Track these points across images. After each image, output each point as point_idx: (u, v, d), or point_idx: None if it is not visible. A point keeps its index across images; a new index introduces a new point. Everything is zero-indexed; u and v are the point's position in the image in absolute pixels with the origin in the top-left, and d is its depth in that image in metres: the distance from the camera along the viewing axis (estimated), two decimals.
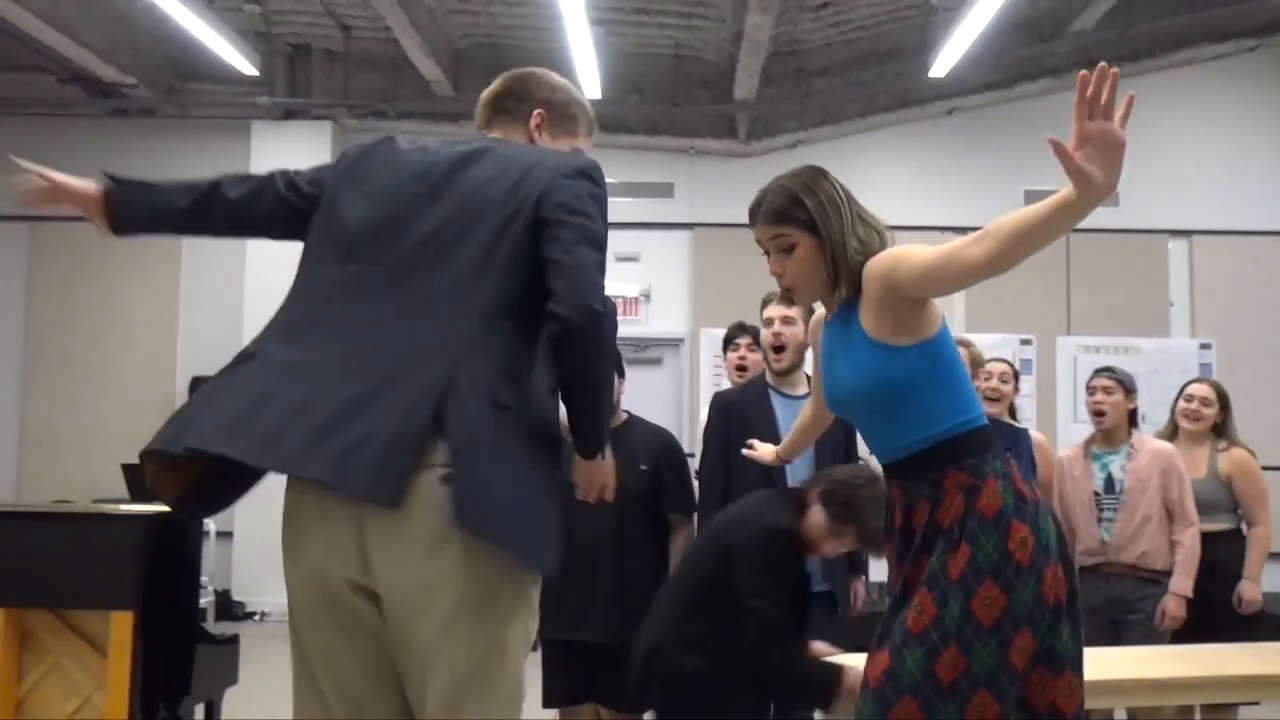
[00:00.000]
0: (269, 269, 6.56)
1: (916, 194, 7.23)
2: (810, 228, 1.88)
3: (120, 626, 2.67)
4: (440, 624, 1.46)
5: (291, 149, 6.90)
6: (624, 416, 3.26)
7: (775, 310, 3.19)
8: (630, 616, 3.03)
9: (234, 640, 3.40)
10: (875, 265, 1.81)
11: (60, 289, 7.10)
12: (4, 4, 5.34)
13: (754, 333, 3.58)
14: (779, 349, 3.15)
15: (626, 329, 7.14)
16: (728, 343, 3.64)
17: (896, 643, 1.76)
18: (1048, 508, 1.87)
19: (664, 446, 3.18)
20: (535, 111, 1.87)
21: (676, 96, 6.97)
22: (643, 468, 3.11)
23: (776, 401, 3.07)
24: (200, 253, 7.18)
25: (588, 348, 1.57)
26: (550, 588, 3.11)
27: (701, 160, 7.29)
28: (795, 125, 7.20)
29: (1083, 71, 1.42)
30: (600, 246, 1.62)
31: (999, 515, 1.75)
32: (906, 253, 1.76)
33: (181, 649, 3.01)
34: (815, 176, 1.94)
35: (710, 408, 3.25)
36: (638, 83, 7.12)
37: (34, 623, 2.89)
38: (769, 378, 3.13)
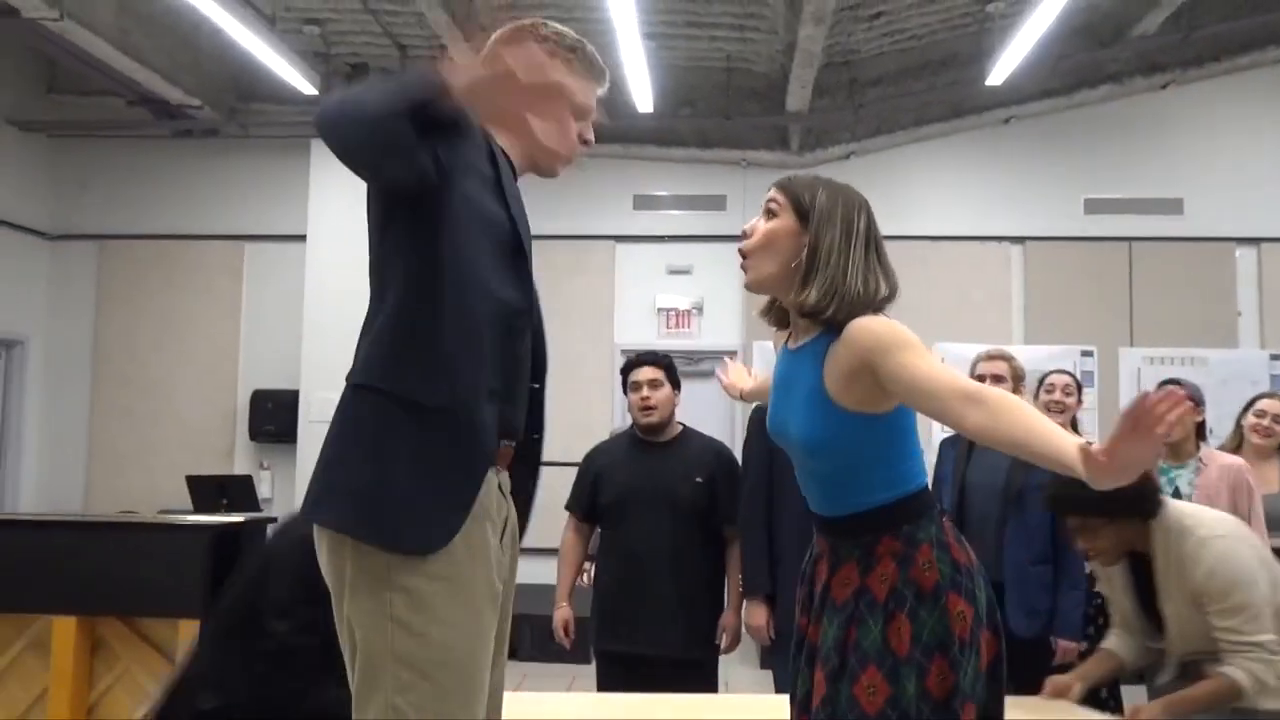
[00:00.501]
0: (327, 286, 6.70)
1: (972, 204, 7.15)
2: (803, 216, 1.77)
3: (188, 634, 2.72)
4: (339, 616, 1.47)
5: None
6: (679, 429, 3.25)
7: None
8: (685, 629, 3.02)
9: None
10: (861, 333, 1.68)
11: (127, 305, 7.30)
12: (77, 30, 5.52)
13: None
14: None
15: (679, 342, 7.15)
16: None
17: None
18: (980, 570, 1.78)
19: (718, 459, 3.17)
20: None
21: (728, 109, 6.97)
22: (697, 480, 3.11)
23: None
24: (261, 269, 7.34)
25: (331, 129, 1.39)
26: (605, 600, 3.14)
27: (754, 172, 7.27)
28: (848, 136, 7.15)
29: (1148, 394, 1.35)
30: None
31: (935, 588, 1.69)
32: (899, 345, 1.63)
33: None
34: (850, 193, 1.82)
35: (750, 420, 3.21)
36: (689, 96, 7.13)
37: (104, 630, 2.96)
38: None
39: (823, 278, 1.72)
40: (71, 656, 2.82)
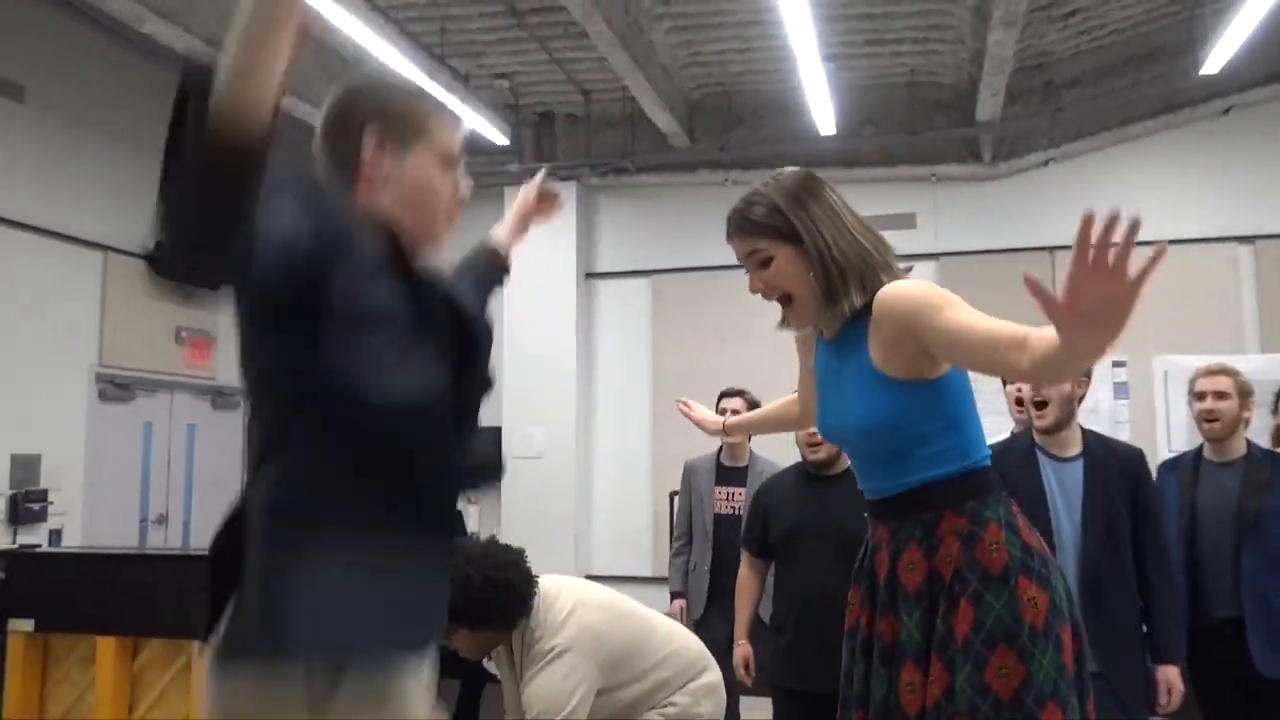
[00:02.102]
0: (525, 325, 6.95)
1: (1190, 204, 6.59)
2: (789, 238, 1.63)
3: None
4: None
5: None
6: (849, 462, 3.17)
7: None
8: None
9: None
10: (895, 300, 1.56)
11: None
12: (297, 105, 6.02)
13: None
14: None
15: None
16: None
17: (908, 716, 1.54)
18: (1057, 564, 1.63)
19: None
20: (365, 130, 1.36)
21: (914, 124, 6.76)
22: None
23: (1044, 464, 2.77)
24: None
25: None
26: (780, 635, 3.07)
27: (944, 187, 7.01)
28: (1045, 142, 6.77)
29: (1085, 213, 1.12)
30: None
31: (1005, 571, 1.53)
32: (938, 305, 1.50)
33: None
34: (798, 181, 1.68)
35: None
36: (872, 114, 6.98)
37: None
38: (1037, 436, 2.83)
39: (850, 273, 1.61)
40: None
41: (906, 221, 7.07)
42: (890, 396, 1.58)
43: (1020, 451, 2.79)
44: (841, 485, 3.08)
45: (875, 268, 1.63)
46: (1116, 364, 6.43)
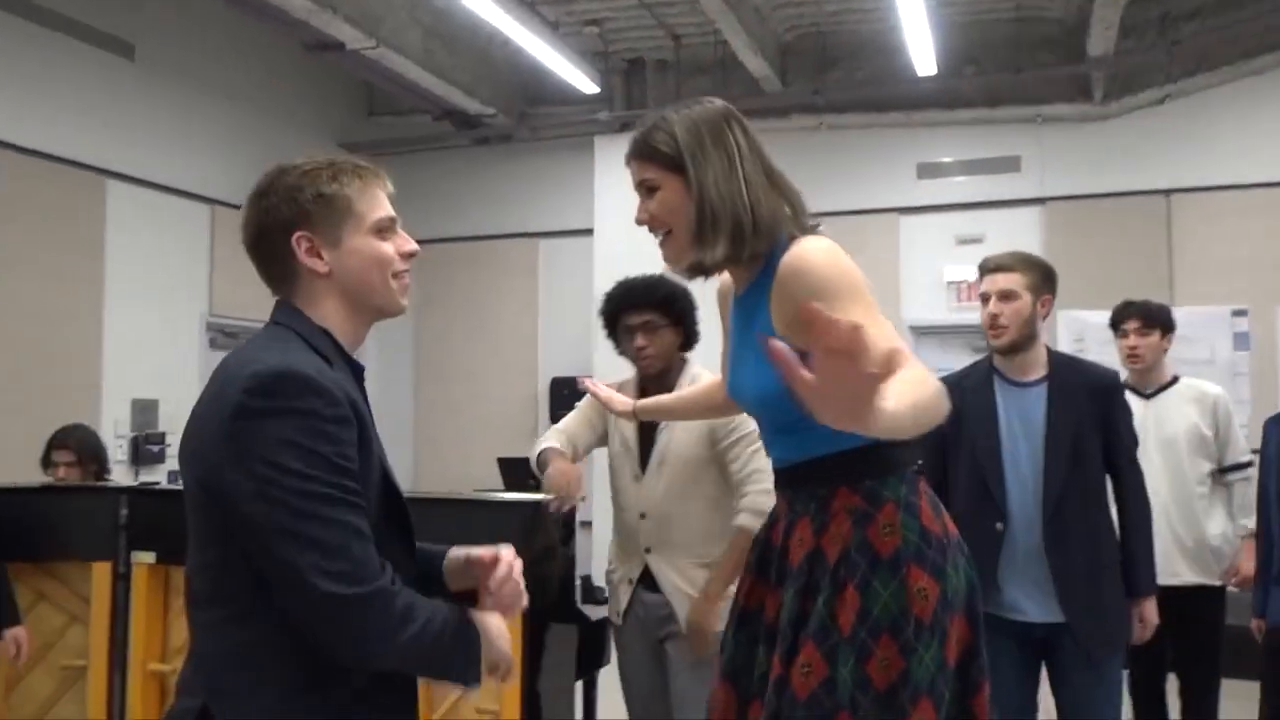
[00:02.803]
0: (614, 276, 6.96)
1: None
2: (678, 170, 1.52)
3: None
4: None
5: None
6: None
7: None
8: None
9: (603, 623, 3.61)
10: (800, 269, 1.45)
11: (442, 304, 8.00)
12: (390, 56, 6.09)
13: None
14: None
15: (974, 315, 6.76)
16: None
17: (777, 708, 1.43)
18: (962, 549, 1.52)
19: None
20: (295, 239, 1.32)
21: (1019, 62, 6.48)
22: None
23: (1000, 389, 2.58)
24: (554, 263, 7.77)
25: (343, 640, 1.21)
26: None
27: (1051, 128, 6.72)
28: (1162, 78, 6.41)
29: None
30: (300, 513, 1.17)
31: (895, 556, 1.43)
32: (837, 292, 1.40)
33: (544, 627, 3.25)
34: (708, 114, 1.55)
35: None
36: (973, 53, 6.71)
37: None
38: (995, 359, 2.62)
39: (722, 221, 1.50)
40: None
41: (1010, 165, 6.82)
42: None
43: (976, 377, 2.63)
44: None
45: (760, 225, 1.51)
46: (1237, 313, 6.12)
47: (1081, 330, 6.01)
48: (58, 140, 5.59)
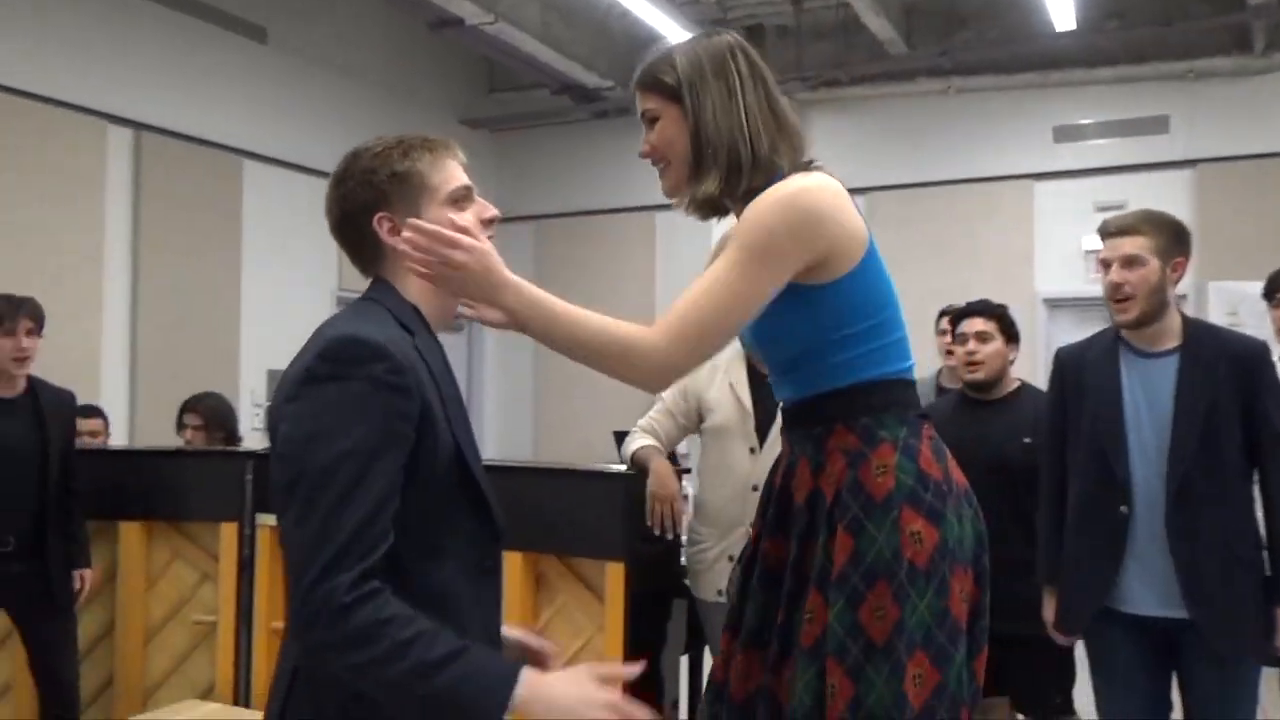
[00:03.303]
0: None
1: None
2: (675, 98, 1.48)
3: (614, 575, 2.90)
4: None
5: None
6: (1016, 383, 2.93)
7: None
8: (1023, 604, 2.71)
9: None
10: (749, 210, 1.40)
11: (559, 278, 8.05)
12: (509, 31, 6.13)
13: None
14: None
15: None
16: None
17: (780, 654, 1.41)
18: (968, 498, 1.44)
19: None
20: (376, 220, 1.31)
21: (1167, 13, 6.03)
22: (1026, 440, 2.76)
23: (1126, 360, 2.32)
24: (670, 236, 7.71)
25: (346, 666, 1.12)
26: None
27: (1204, 84, 6.24)
28: None
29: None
30: (325, 510, 1.11)
31: (888, 498, 1.35)
32: (742, 237, 1.36)
33: (664, 601, 3.22)
34: (712, 47, 1.50)
35: (1054, 363, 2.63)
36: (1116, 6, 6.28)
37: (545, 567, 3.25)
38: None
39: (718, 156, 1.44)
40: (519, 589, 3.13)
41: (1157, 126, 6.38)
42: (774, 304, 1.42)
43: (1099, 347, 2.38)
44: (1002, 410, 2.89)
45: (759, 159, 1.45)
46: None
47: (1235, 303, 5.59)
48: (197, 122, 5.85)
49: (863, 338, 1.41)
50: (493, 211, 1.41)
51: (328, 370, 1.18)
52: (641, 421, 2.84)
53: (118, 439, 5.19)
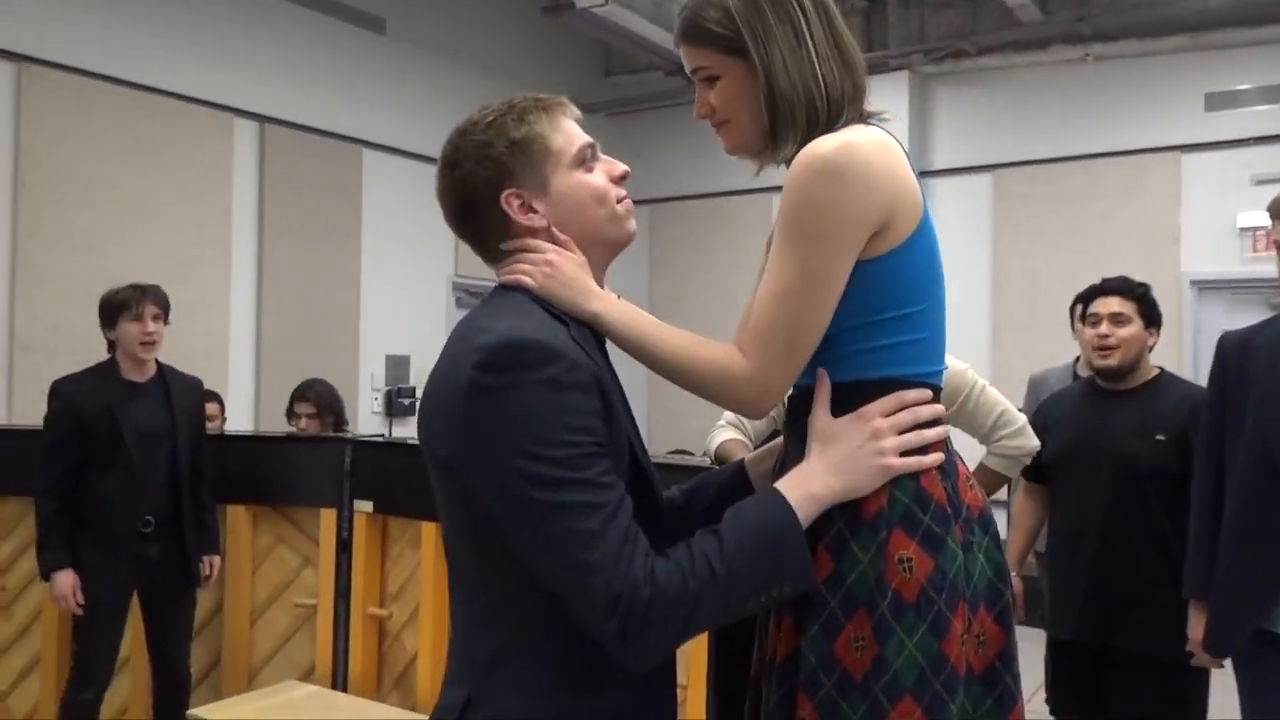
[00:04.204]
0: None
1: None
2: (739, 53, 1.23)
3: None
4: None
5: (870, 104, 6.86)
6: (1154, 372, 2.65)
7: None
8: (1140, 620, 2.46)
9: None
10: (793, 170, 1.17)
11: (676, 263, 7.97)
12: (620, 12, 6.05)
13: None
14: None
15: (1270, 268, 5.86)
16: None
17: (764, 677, 1.25)
18: (983, 525, 1.21)
19: (1196, 411, 2.46)
20: (504, 199, 1.19)
21: None
22: (1158, 437, 2.48)
23: None
24: None
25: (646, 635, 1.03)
26: (1051, 574, 2.71)
27: None
28: None
29: None
30: (567, 505, 1.02)
31: (877, 517, 1.15)
32: (796, 222, 1.17)
33: None
34: None
35: (1216, 350, 2.37)
36: None
37: None
38: None
39: (799, 110, 1.21)
40: None
41: None
42: None
43: (1270, 334, 2.21)
44: (1134, 402, 2.61)
45: (834, 109, 1.24)
46: None
47: None
48: (319, 113, 6.01)
49: (889, 328, 1.20)
50: (623, 168, 1.29)
51: (493, 381, 1.05)
52: (727, 414, 2.73)
53: (244, 425, 5.41)
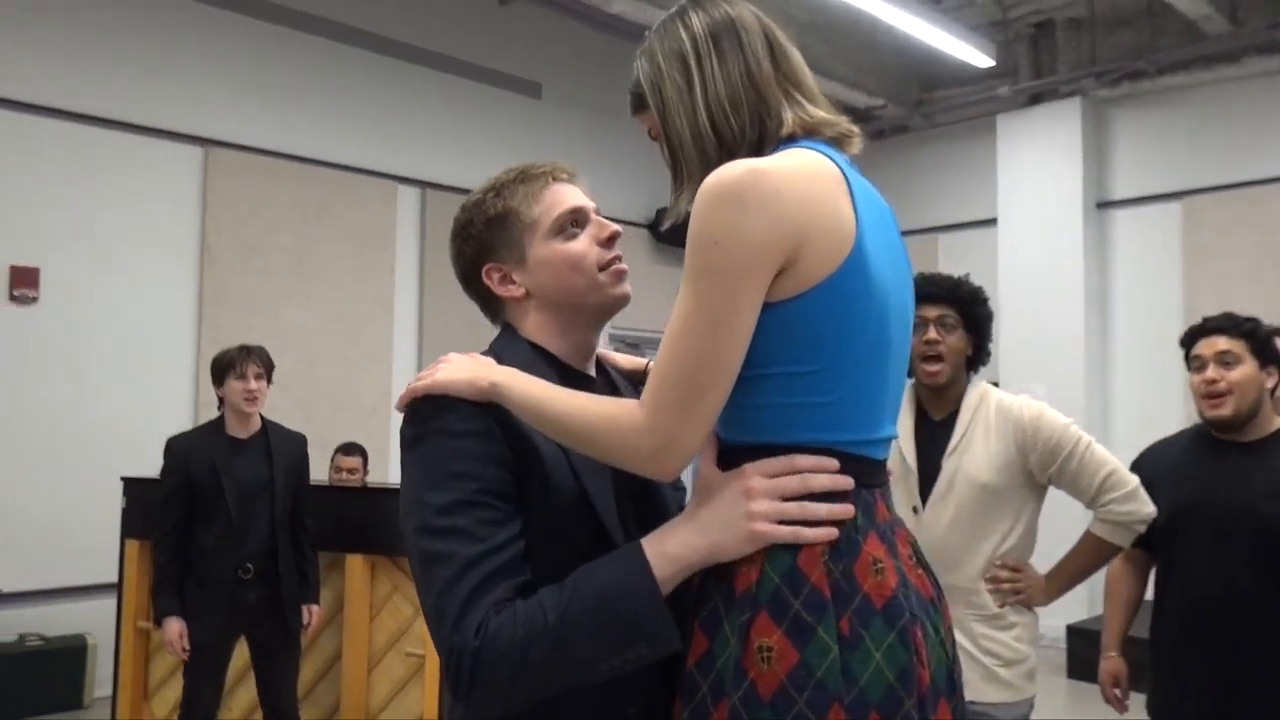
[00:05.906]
0: (1019, 265, 6.22)
1: None
2: (646, 104, 1.17)
3: None
4: None
5: (1039, 135, 6.45)
6: (1276, 424, 2.27)
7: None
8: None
9: None
10: (714, 185, 1.01)
11: None
12: None
13: None
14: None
15: None
16: None
17: None
18: (886, 614, 1.00)
19: None
20: (485, 273, 1.25)
21: None
22: None
23: None
24: (955, 258, 7.16)
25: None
26: (1160, 650, 2.37)
27: None
28: None
29: None
30: (432, 554, 1.04)
31: (745, 595, 1.02)
32: (695, 254, 1.01)
33: None
34: (668, 34, 1.15)
35: None
36: None
37: None
38: None
39: (689, 158, 1.12)
40: None
41: None
42: None
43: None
44: (1255, 455, 2.22)
45: (727, 146, 1.10)
46: None
47: None
48: (478, 176, 6.05)
49: (790, 386, 1.04)
50: (612, 228, 1.26)
51: (408, 433, 1.13)
52: None
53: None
